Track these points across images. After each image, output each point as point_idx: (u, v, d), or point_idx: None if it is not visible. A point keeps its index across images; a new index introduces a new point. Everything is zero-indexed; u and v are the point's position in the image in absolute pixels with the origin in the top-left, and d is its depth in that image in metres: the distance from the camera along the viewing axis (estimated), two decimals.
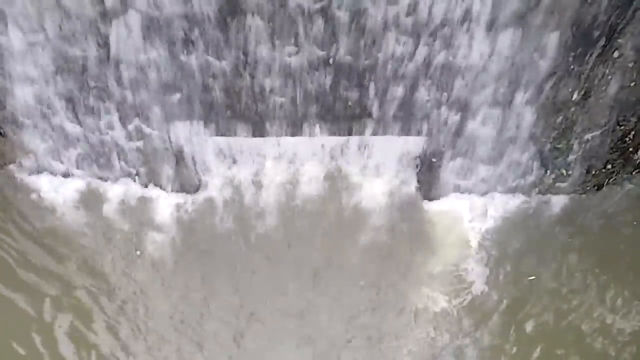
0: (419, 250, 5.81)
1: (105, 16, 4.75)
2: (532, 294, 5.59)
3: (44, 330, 5.30)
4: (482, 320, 5.50)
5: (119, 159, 5.79)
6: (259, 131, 5.60)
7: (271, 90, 5.28)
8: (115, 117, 5.48)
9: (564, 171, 5.82)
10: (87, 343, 5.31)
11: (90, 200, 5.91)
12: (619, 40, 4.94)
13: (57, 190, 5.89)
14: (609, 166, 5.81)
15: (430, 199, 5.97)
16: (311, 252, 5.76)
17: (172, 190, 5.96)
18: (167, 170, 5.85)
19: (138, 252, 5.73)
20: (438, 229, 5.88)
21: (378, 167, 5.84)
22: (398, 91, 5.26)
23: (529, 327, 5.46)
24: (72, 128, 5.56)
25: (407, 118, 5.46)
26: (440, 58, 5.00)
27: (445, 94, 5.25)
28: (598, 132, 5.55)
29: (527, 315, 5.51)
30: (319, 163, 5.84)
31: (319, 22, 4.82)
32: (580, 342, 5.35)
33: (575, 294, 5.56)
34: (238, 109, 5.42)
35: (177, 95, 5.31)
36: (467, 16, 4.71)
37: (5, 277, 5.49)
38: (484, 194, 5.94)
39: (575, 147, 5.65)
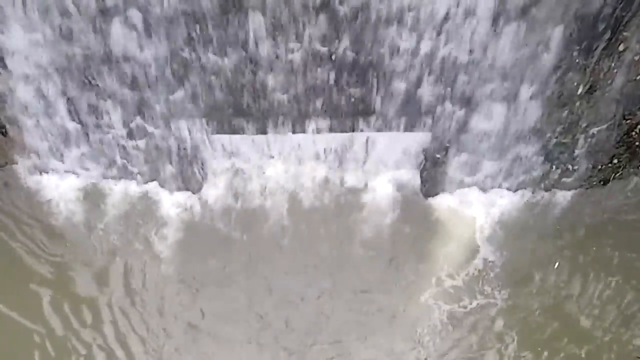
0: (424, 246, 5.79)
1: (106, 13, 4.72)
2: (538, 289, 5.58)
3: (43, 326, 5.29)
4: (489, 315, 5.49)
5: (121, 157, 5.77)
6: (262, 128, 5.57)
7: (274, 87, 5.25)
8: (117, 116, 5.45)
9: (569, 166, 5.79)
10: (86, 340, 5.30)
11: (93, 199, 5.91)
12: (625, 34, 4.89)
13: (59, 189, 5.88)
14: (615, 160, 5.77)
15: (435, 195, 5.95)
16: (316, 247, 5.74)
17: (175, 189, 5.94)
18: (170, 169, 5.83)
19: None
20: (443, 225, 5.86)
21: (382, 163, 5.81)
22: (401, 87, 5.22)
23: (533, 319, 5.46)
24: (74, 127, 5.55)
25: (411, 114, 5.43)
26: (444, 52, 4.96)
27: (449, 89, 5.21)
28: (604, 127, 5.51)
29: (532, 309, 5.50)
30: (323, 160, 5.82)
31: (321, 18, 4.79)
32: (584, 330, 5.37)
33: (582, 289, 5.54)
34: (241, 106, 5.39)
35: (180, 93, 5.28)
36: (471, 10, 4.67)
37: (7, 276, 5.48)
38: (489, 189, 5.92)
39: (581, 141, 5.61)
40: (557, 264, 5.63)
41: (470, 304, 5.53)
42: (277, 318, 5.49)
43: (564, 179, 5.90)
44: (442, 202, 5.93)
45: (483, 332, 5.42)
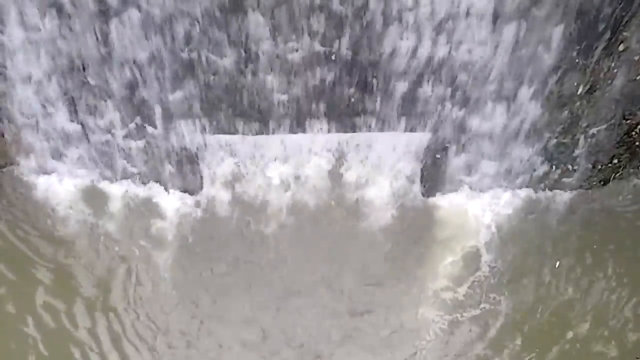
0: (424, 247, 5.77)
1: (106, 13, 4.71)
2: (538, 291, 5.56)
3: (40, 330, 5.25)
4: (491, 317, 5.46)
5: (120, 158, 5.76)
6: (261, 129, 5.56)
7: (273, 88, 5.24)
8: (116, 116, 5.44)
9: (569, 166, 5.79)
10: (83, 342, 5.26)
11: (92, 200, 5.87)
12: (625, 33, 4.89)
13: (58, 190, 5.85)
14: (615, 161, 5.77)
15: (435, 195, 5.94)
16: (316, 249, 5.72)
17: (174, 190, 5.93)
18: (169, 169, 5.82)
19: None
20: (443, 226, 5.84)
21: (382, 163, 5.79)
22: (401, 87, 5.21)
23: (535, 321, 5.43)
24: (73, 127, 5.54)
25: (411, 114, 5.42)
26: (443, 53, 4.96)
27: (449, 89, 5.20)
28: (604, 127, 5.50)
29: (534, 312, 5.47)
30: (322, 160, 5.80)
31: (321, 18, 4.78)
32: (587, 332, 5.34)
33: (583, 291, 5.52)
34: (240, 107, 5.38)
35: (179, 94, 5.28)
36: (470, 10, 4.66)
37: (5, 276, 5.45)
38: (489, 189, 5.91)
39: (581, 141, 5.61)
40: (558, 263, 5.62)
41: (472, 310, 5.49)
42: (275, 330, 5.45)
43: (564, 179, 5.89)
44: (442, 203, 5.91)
45: (486, 340, 5.38)
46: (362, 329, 5.46)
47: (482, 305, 5.52)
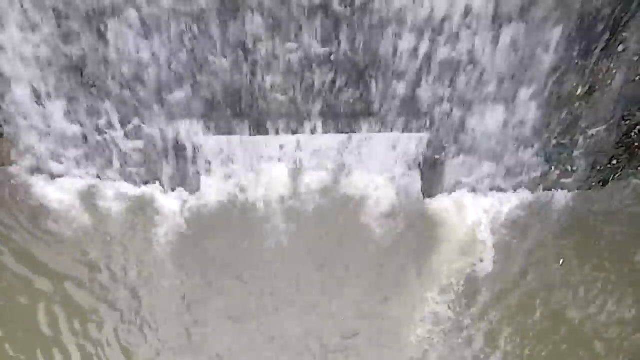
0: (423, 248, 5.76)
1: (104, 13, 4.69)
2: (539, 289, 5.55)
3: (39, 328, 5.23)
4: (491, 317, 5.47)
5: (118, 158, 5.75)
6: (259, 129, 5.55)
7: (272, 88, 5.24)
8: (114, 117, 5.43)
9: (568, 167, 5.79)
10: (82, 343, 5.24)
11: (90, 200, 5.85)
12: (624, 34, 4.90)
13: (56, 190, 5.82)
14: (614, 161, 5.77)
15: (434, 196, 5.93)
16: (314, 250, 5.70)
17: (172, 190, 5.91)
18: (167, 170, 5.81)
19: None
20: (442, 226, 5.84)
21: (380, 164, 5.79)
22: (400, 87, 5.21)
23: (535, 323, 5.43)
24: (71, 128, 5.52)
25: (409, 114, 5.42)
26: (442, 53, 4.95)
27: (448, 89, 5.20)
28: (603, 127, 5.51)
29: (534, 309, 5.48)
30: (321, 161, 5.80)
31: (320, 18, 4.77)
32: (589, 334, 5.35)
33: (580, 290, 5.52)
34: (238, 107, 5.38)
35: (177, 94, 5.26)
36: (470, 10, 4.66)
37: (4, 277, 5.43)
38: (488, 190, 5.91)
39: (580, 142, 5.61)
40: (562, 260, 5.61)
41: (473, 317, 5.47)
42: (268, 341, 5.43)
43: (563, 180, 5.90)
44: (441, 204, 5.90)
45: (488, 348, 5.38)
46: (357, 343, 5.42)
47: (482, 310, 5.51)
